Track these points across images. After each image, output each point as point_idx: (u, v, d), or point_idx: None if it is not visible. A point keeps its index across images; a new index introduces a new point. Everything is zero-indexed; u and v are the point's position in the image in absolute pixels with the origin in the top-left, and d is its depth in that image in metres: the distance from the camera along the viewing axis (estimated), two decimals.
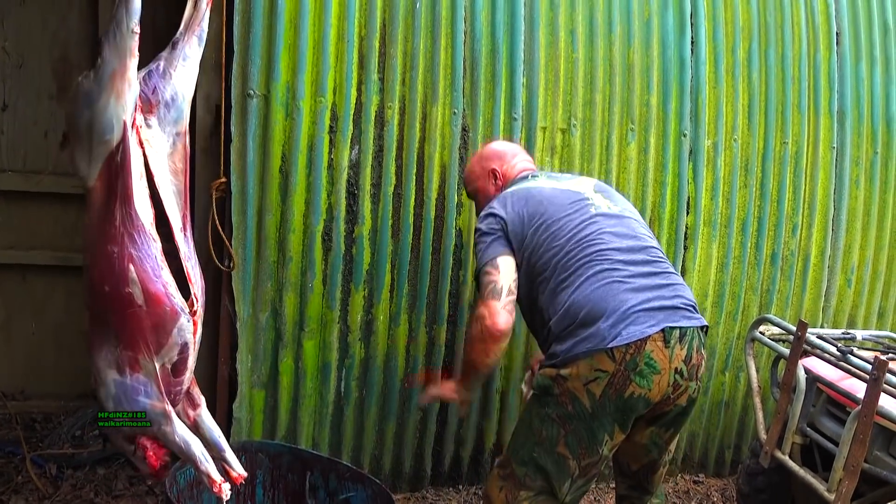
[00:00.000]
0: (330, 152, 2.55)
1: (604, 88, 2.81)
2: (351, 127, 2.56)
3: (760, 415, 2.61)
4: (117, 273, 1.76)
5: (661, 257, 2.03)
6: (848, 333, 2.66)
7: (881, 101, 3.17)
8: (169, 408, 1.85)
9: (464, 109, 2.67)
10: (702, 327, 1.94)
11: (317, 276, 2.57)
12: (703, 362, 1.96)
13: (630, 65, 2.84)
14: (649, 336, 1.82)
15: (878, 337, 2.80)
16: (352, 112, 2.56)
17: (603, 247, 1.95)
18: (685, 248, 2.95)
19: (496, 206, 2.12)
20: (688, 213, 2.94)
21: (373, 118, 2.58)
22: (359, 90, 2.57)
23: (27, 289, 3.22)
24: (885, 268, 3.25)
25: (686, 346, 1.88)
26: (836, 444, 2.20)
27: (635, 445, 2.01)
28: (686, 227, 2.95)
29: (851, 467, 2.07)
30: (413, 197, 2.64)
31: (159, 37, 3.10)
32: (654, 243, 2.07)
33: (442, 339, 2.72)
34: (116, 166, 1.77)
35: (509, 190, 2.20)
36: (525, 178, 2.25)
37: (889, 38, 3.20)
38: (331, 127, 2.54)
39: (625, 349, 1.81)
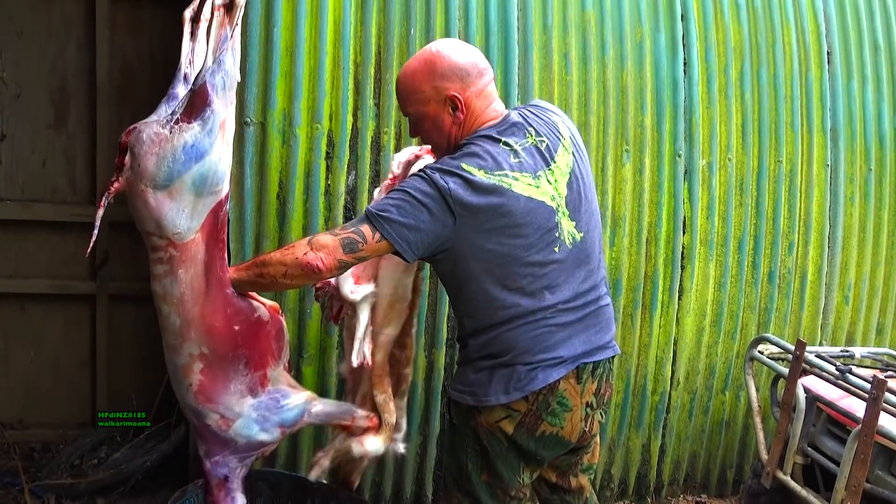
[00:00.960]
0: (327, 178, 2.56)
1: (598, 110, 2.83)
2: (347, 153, 2.58)
3: (761, 435, 2.61)
4: (244, 309, 1.80)
5: (598, 285, 1.86)
6: (846, 351, 2.67)
7: (873, 118, 3.20)
8: (307, 392, 1.98)
9: None
10: (612, 357, 1.87)
11: (315, 303, 2.57)
12: (612, 391, 1.91)
13: (624, 86, 2.86)
14: (563, 376, 1.75)
15: (876, 354, 2.80)
16: (348, 138, 2.58)
17: (549, 302, 1.75)
18: (682, 267, 2.96)
19: (448, 184, 1.65)
20: (684, 233, 2.95)
21: (369, 144, 2.60)
22: (355, 116, 2.59)
23: (25, 318, 3.22)
24: (883, 284, 3.26)
25: (597, 380, 1.82)
26: (838, 463, 2.19)
27: (555, 468, 1.94)
28: (683, 247, 2.95)
29: (853, 487, 2.07)
30: None
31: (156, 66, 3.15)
32: (599, 266, 1.87)
33: (441, 363, 2.72)
34: (224, 214, 1.75)
35: (468, 164, 1.69)
36: (488, 139, 1.75)
37: (879, 57, 3.23)
38: (327, 153, 2.56)
39: (538, 391, 1.74)
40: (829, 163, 3.15)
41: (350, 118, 2.58)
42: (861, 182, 3.20)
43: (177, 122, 1.60)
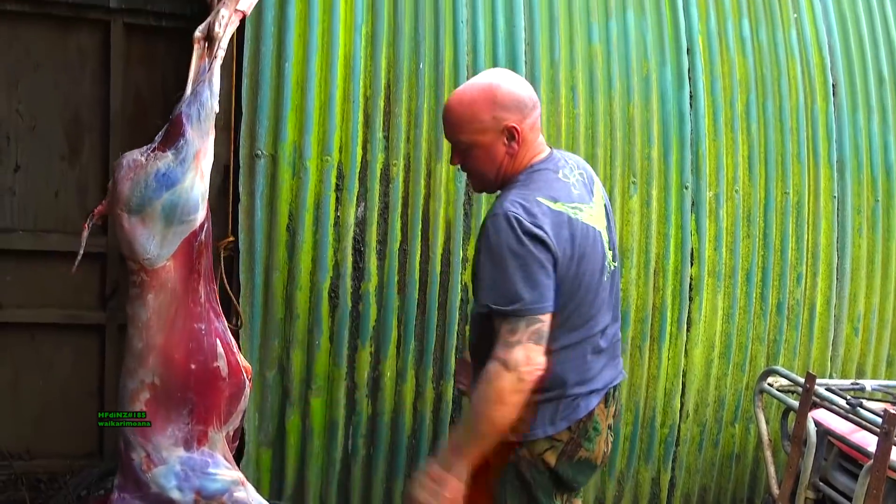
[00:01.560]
0: (336, 210, 2.58)
1: (605, 143, 2.85)
2: (357, 185, 2.60)
3: (772, 469, 2.59)
4: (206, 349, 1.75)
5: (618, 306, 1.92)
6: (857, 384, 2.65)
7: (880, 150, 3.21)
8: (238, 474, 1.85)
9: None
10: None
11: (323, 333, 2.58)
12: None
13: (630, 119, 2.89)
14: (598, 402, 1.79)
15: (887, 387, 2.78)
16: (357, 170, 2.60)
17: (592, 331, 1.78)
18: (690, 299, 2.95)
19: (542, 228, 1.64)
20: (692, 265, 2.96)
21: (378, 176, 2.62)
22: (364, 149, 2.62)
23: (35, 347, 3.23)
24: (893, 316, 3.25)
25: (615, 402, 1.90)
26: (850, 499, 2.17)
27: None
28: (691, 279, 2.95)
29: None
30: (419, 253, 2.66)
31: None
32: (617, 287, 1.92)
33: (449, 395, 2.71)
34: (200, 244, 1.74)
35: (543, 196, 1.70)
36: (548, 171, 1.77)
37: (885, 89, 3.25)
38: (337, 185, 2.58)
39: (580, 420, 1.76)
40: (836, 194, 3.16)
41: (360, 150, 2.61)
42: (868, 213, 3.20)
43: (153, 151, 1.66)
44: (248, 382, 1.87)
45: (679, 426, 3.00)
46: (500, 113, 1.74)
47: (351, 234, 2.60)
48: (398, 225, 2.65)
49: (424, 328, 2.67)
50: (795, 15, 3.18)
